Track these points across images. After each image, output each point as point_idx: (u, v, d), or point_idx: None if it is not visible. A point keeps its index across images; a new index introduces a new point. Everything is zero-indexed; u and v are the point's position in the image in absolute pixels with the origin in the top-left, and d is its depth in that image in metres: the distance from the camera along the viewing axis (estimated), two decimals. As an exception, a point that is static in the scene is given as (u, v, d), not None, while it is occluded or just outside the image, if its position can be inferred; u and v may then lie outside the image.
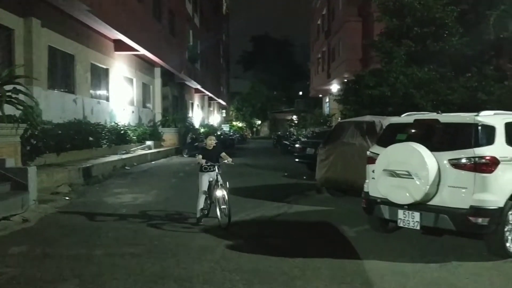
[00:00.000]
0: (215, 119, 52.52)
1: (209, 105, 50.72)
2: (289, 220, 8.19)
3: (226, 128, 42.03)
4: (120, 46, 19.30)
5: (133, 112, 22.41)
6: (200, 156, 7.42)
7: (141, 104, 24.01)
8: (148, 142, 21.17)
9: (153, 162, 18.96)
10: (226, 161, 7.63)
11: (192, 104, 38.62)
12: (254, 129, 64.15)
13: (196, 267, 5.33)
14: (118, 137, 17.87)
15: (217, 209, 7.33)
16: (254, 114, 62.97)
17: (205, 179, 7.50)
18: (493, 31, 14.57)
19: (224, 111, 65.68)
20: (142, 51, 20.56)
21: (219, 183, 7.28)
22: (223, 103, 59.89)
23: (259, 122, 65.31)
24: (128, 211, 8.71)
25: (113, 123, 18.38)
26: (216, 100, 52.49)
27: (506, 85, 11.82)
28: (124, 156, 16.64)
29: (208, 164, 7.42)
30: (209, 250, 6.03)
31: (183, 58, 30.07)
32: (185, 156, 22.57)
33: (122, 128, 18.71)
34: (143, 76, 24.22)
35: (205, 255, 5.82)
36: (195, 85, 35.35)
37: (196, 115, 38.61)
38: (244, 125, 61.96)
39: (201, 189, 7.51)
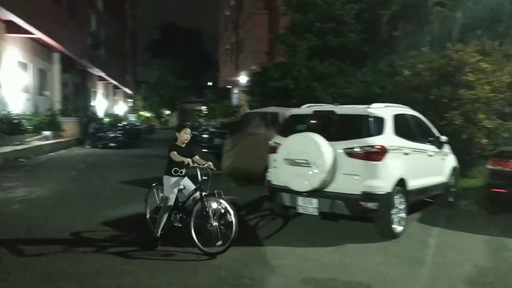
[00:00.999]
0: (121, 108, 50.49)
1: (114, 94, 48.60)
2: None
3: (132, 118, 40.51)
4: (12, 28, 17.70)
5: (28, 99, 20.74)
6: (175, 152, 5.56)
7: (38, 92, 22.30)
8: (46, 132, 19.75)
9: (51, 154, 17.77)
10: (204, 164, 5.69)
11: (96, 92, 36.72)
12: (163, 119, 62.77)
13: (96, 263, 5.14)
14: (11, 127, 16.44)
15: (192, 227, 5.52)
16: (162, 104, 61.58)
17: (175, 187, 5.68)
18: (386, 30, 15.72)
19: (130, 100, 63.33)
20: (38, 34, 19.06)
21: (212, 192, 5.54)
22: (130, 92, 57.68)
23: (168, 112, 64.03)
24: (21, 207, 8.10)
25: (4, 112, 16.88)
26: (121, 88, 50.42)
27: (397, 80, 12.78)
28: (18, 148, 15.40)
29: (190, 166, 5.61)
30: (107, 245, 5.85)
31: (85, 43, 28.42)
32: (87, 147, 21.48)
33: (15, 117, 17.26)
34: (40, 62, 22.50)
35: (104, 250, 5.64)
36: (99, 72, 33.63)
37: (100, 104, 36.78)
38: (152, 115, 60.33)
39: (168, 200, 5.66)
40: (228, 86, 45.48)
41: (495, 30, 13.98)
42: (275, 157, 6.72)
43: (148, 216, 6.30)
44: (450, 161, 8.28)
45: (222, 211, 5.50)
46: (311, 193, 6.25)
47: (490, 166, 7.41)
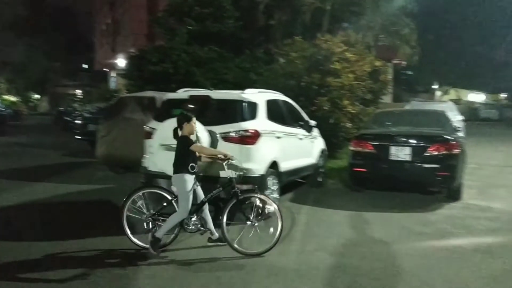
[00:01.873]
0: (-21, 92, 45.06)
1: (-29, 76, 43.17)
2: (66, 201, 7.72)
3: (-6, 103, 36.47)
4: None
5: None
6: (198, 144, 5.24)
7: None
8: None
9: None
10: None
11: None
12: (31, 104, 57.45)
13: None
14: None
15: (225, 228, 5.09)
16: (30, 87, 56.28)
17: (192, 186, 5.12)
18: (263, 18, 16.21)
19: (-9, 83, 56.78)
20: None
21: (251, 188, 5.37)
22: (-10, 73, 51.77)
23: (37, 96, 58.77)
24: None
25: None
26: (-21, 69, 44.96)
27: (273, 67, 13.31)
28: None
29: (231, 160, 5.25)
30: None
31: None
32: None
33: None
34: None
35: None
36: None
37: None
38: (18, 99, 54.85)
39: (188, 202, 5.03)
40: (105, 69, 43.13)
41: (359, 23, 15.26)
42: (150, 143, 6.58)
43: (127, 228, 5.24)
44: (318, 144, 8.90)
45: (261, 207, 5.17)
46: (188, 178, 6.23)
47: (351, 148, 8.13)
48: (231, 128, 6.23)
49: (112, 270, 4.61)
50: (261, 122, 6.56)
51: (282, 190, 7.22)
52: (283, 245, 5.47)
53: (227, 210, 5.14)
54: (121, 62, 30.23)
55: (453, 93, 45.00)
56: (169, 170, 6.20)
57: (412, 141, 7.54)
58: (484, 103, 47.91)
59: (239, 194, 5.14)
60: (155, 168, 6.52)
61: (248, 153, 6.23)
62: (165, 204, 5.26)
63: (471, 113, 36.49)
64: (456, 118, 13.54)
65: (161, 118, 6.68)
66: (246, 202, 5.18)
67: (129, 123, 9.30)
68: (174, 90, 7.67)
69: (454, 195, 7.79)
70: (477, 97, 51.69)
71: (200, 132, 6.06)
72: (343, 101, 10.84)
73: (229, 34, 15.97)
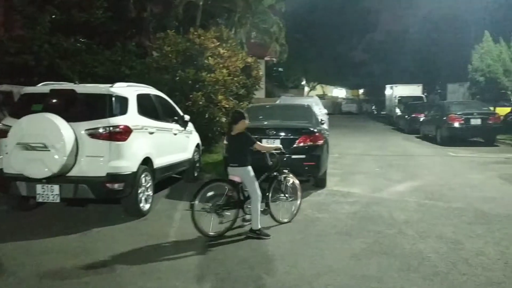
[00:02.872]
0: None
1: None
2: None
3: None
4: None
5: None
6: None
7: None
8: None
9: None
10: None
11: None
12: None
13: None
14: None
15: (271, 207, 5.97)
16: None
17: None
18: (135, 10, 15.64)
19: None
20: None
21: (285, 169, 6.25)
22: None
23: None
24: None
25: None
26: None
27: (146, 60, 12.92)
28: None
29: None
30: None
31: None
32: None
33: None
34: None
35: None
36: None
37: None
38: None
39: (257, 186, 5.58)
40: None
41: (231, 19, 15.55)
42: (6, 142, 5.94)
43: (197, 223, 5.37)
44: (194, 138, 8.90)
45: (293, 185, 6.27)
46: (51, 180, 5.79)
47: (225, 142, 8.26)
48: (100, 124, 5.93)
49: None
50: (131, 117, 6.34)
51: (158, 187, 7.09)
52: (158, 242, 5.38)
53: (271, 190, 5.96)
54: (-29, 52, 26.77)
55: (319, 89, 48.53)
56: (29, 171, 5.72)
57: (282, 133, 7.90)
58: (345, 98, 52.51)
59: (279, 177, 6.06)
60: (11, 170, 5.92)
61: (119, 150, 6.00)
62: (230, 194, 5.54)
63: (334, 107, 39.77)
64: (321, 111, 14.62)
65: (18, 114, 6.07)
66: (283, 183, 6.15)
67: (-19, 120, 8.30)
68: (36, 84, 7.04)
69: (320, 183, 8.39)
70: (340, 92, 56.49)
71: (63, 128, 5.67)
72: (217, 96, 10.98)
73: (98, 25, 15.04)
